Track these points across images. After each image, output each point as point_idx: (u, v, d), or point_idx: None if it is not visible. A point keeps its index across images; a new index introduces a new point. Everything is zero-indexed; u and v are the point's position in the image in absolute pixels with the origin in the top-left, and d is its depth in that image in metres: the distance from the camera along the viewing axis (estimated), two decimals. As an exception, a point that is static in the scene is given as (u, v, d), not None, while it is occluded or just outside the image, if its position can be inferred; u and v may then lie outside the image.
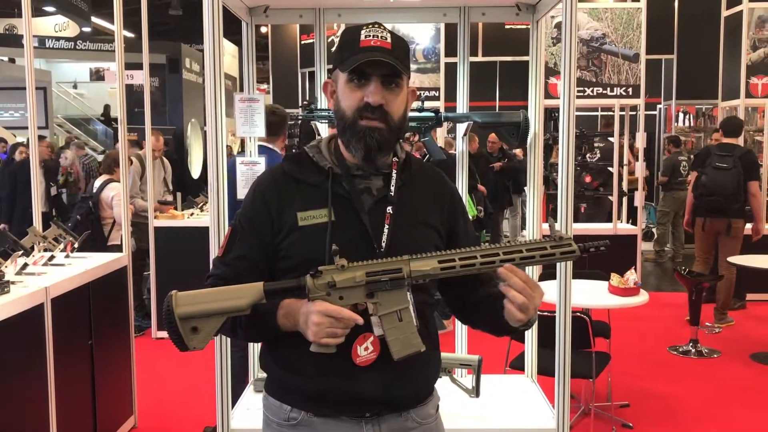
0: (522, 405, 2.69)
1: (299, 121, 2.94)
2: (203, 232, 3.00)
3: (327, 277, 1.41)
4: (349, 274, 1.41)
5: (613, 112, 7.08)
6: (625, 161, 7.11)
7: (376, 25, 1.53)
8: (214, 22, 2.34)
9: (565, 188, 2.38)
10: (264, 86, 15.93)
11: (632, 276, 4.13)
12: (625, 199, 7.28)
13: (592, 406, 4.07)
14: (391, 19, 2.87)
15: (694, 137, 11.59)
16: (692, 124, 11.43)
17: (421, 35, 8.05)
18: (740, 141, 6.29)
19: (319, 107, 2.84)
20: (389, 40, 1.50)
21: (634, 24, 6.87)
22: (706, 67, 9.42)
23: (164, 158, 7.02)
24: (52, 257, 3.56)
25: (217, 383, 2.44)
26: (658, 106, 12.11)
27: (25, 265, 3.32)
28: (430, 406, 1.64)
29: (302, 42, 11.68)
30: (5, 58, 15.06)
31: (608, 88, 6.94)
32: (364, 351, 1.47)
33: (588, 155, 7.42)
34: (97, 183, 5.77)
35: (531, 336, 2.99)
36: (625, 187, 7.11)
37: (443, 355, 1.88)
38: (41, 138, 8.20)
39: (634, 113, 7.71)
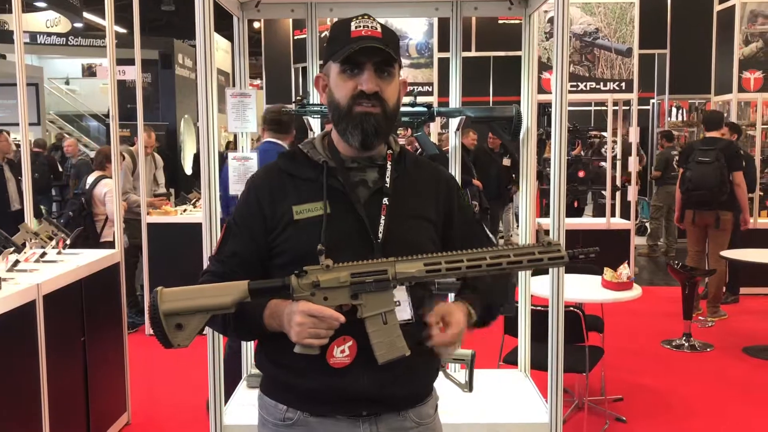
0: (515, 399, 2.69)
1: (292, 117, 2.93)
2: (196, 228, 2.99)
3: (311, 277, 1.41)
4: (333, 275, 1.41)
5: (607, 106, 7.08)
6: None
7: (366, 17, 1.54)
8: (206, 17, 2.33)
9: (557, 182, 2.38)
10: (257, 82, 15.90)
11: (625, 270, 4.14)
12: (618, 194, 7.31)
13: (585, 400, 4.08)
14: (383, 14, 2.86)
15: (687, 132, 11.61)
16: (685, 119, 11.46)
17: (415, 30, 8.05)
18: (725, 134, 6.35)
19: (311, 102, 2.83)
20: (379, 29, 1.51)
21: (627, 19, 6.88)
22: (698, 61, 9.44)
23: (156, 154, 6.99)
24: (43, 254, 3.54)
25: (210, 379, 2.44)
26: (651, 100, 12.14)
27: (17, 261, 3.30)
28: (429, 406, 1.63)
29: (295, 37, 11.66)
30: (-4, 55, 14.98)
31: (601, 83, 6.95)
32: (340, 353, 1.46)
33: (603, 149, 7.45)
34: (90, 179, 5.75)
35: (524, 330, 2.99)
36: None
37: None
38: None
39: (627, 108, 7.72)
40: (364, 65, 1.49)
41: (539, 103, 6.49)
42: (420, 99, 2.83)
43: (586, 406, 4.08)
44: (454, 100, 2.95)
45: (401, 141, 1.73)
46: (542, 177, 8.52)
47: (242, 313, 1.46)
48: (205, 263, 2.43)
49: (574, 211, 8.18)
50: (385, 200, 1.53)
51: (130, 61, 5.72)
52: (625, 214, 7.53)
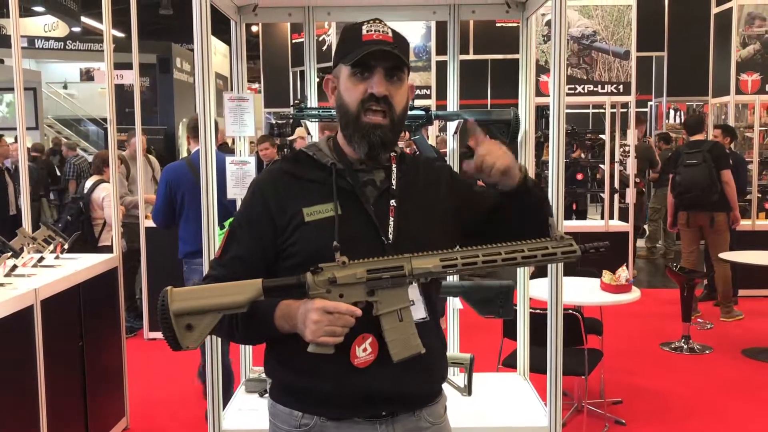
0: (514, 403, 2.69)
1: (290, 120, 2.93)
2: (194, 232, 2.99)
3: (328, 274, 1.40)
4: (350, 271, 1.40)
5: (605, 109, 7.09)
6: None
7: (378, 21, 1.54)
8: (203, 20, 2.33)
9: (556, 185, 2.38)
10: (255, 85, 15.91)
11: (624, 273, 4.14)
12: (616, 196, 7.31)
13: (584, 403, 4.08)
14: (380, 17, 2.85)
15: (685, 134, 11.63)
16: (683, 121, 11.48)
17: (413, 34, 8.05)
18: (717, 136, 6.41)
19: (309, 106, 2.82)
20: (390, 34, 1.52)
21: (624, 21, 6.88)
22: (696, 64, 9.45)
23: (152, 157, 6.99)
24: (41, 258, 3.54)
25: (208, 384, 2.43)
26: (649, 103, 12.16)
27: (15, 266, 3.30)
28: (440, 406, 1.63)
29: (293, 41, 11.68)
30: (-6, 59, 14.99)
31: (599, 86, 6.95)
32: (363, 352, 1.45)
33: (621, 154, 7.48)
34: (88, 184, 5.75)
35: (523, 334, 2.99)
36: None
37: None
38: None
39: (625, 110, 7.73)
40: (374, 69, 1.49)
41: (537, 106, 6.50)
42: (418, 102, 2.83)
43: (586, 409, 4.08)
44: (452, 103, 2.95)
45: (400, 144, 1.74)
46: (541, 179, 8.53)
47: (251, 314, 1.44)
48: (206, 266, 2.43)
49: (575, 213, 8.19)
50: (393, 201, 1.53)
51: (128, 65, 5.72)
52: (627, 218, 7.53)
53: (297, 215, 1.51)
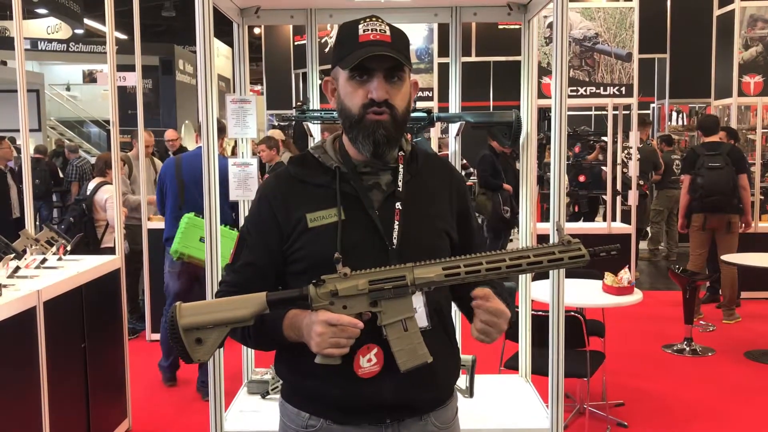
0: (516, 405, 2.69)
1: (293, 122, 2.94)
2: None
3: (329, 286, 1.39)
4: (351, 283, 1.39)
5: (607, 111, 7.09)
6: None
7: (374, 19, 1.50)
8: (205, 23, 2.34)
9: (557, 187, 2.38)
10: (257, 87, 15.93)
11: (626, 275, 4.13)
12: (618, 198, 7.30)
13: (586, 406, 4.07)
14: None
15: (688, 136, 11.62)
16: (685, 123, 11.48)
17: (415, 36, 8.05)
18: (722, 138, 6.37)
19: (311, 108, 2.83)
20: (388, 32, 1.48)
21: (626, 23, 6.88)
22: (698, 66, 9.45)
23: (155, 159, 7.00)
24: (44, 260, 3.54)
25: (210, 385, 2.44)
26: (652, 105, 12.14)
27: (17, 268, 3.30)
28: (449, 410, 1.62)
29: (295, 43, 11.69)
30: (-3, 61, 15.02)
31: (601, 88, 6.95)
32: (367, 363, 1.44)
33: (625, 157, 7.48)
34: (91, 185, 5.76)
35: (525, 336, 2.99)
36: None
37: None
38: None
39: (627, 112, 7.72)
40: (374, 72, 1.46)
41: (540, 108, 6.50)
42: (420, 104, 2.84)
43: (587, 412, 4.07)
44: (454, 105, 2.95)
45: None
46: (543, 181, 8.53)
47: (261, 324, 1.45)
48: (210, 268, 2.44)
49: (583, 216, 8.18)
50: (398, 205, 1.51)
51: (131, 67, 5.73)
52: (630, 220, 7.53)
53: (301, 221, 1.50)
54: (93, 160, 9.56)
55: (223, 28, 3.62)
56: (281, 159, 6.83)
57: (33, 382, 3.00)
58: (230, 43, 3.22)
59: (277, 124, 10.53)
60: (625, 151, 7.62)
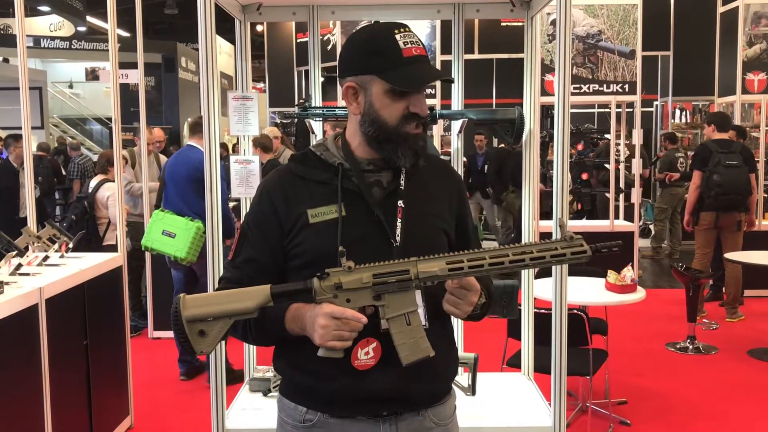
0: (518, 403, 2.68)
1: (295, 120, 2.93)
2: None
3: (334, 279, 1.40)
4: (356, 276, 1.40)
5: (610, 108, 7.07)
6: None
7: (405, 29, 1.51)
8: (207, 20, 2.33)
9: (560, 185, 2.37)
10: (260, 85, 15.93)
11: (629, 273, 4.12)
12: (622, 196, 7.29)
13: (589, 404, 4.07)
14: (385, 16, 2.86)
15: (691, 134, 11.60)
16: (689, 121, 11.45)
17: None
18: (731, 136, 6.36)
19: (313, 105, 2.82)
20: (422, 45, 1.51)
21: (630, 20, 6.87)
22: (702, 63, 9.43)
23: (159, 154, 6.99)
24: (46, 257, 3.54)
25: (212, 383, 2.43)
26: (655, 102, 12.12)
27: (19, 265, 3.30)
28: (448, 407, 1.63)
29: (298, 40, 11.68)
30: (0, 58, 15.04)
31: (604, 85, 6.94)
32: (365, 356, 1.45)
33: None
34: (93, 183, 5.76)
35: (527, 333, 2.98)
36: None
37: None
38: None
39: (630, 110, 7.71)
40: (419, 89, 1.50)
41: (543, 106, 6.49)
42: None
43: (590, 410, 4.07)
44: (457, 102, 2.94)
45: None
46: (546, 179, 8.52)
47: (263, 318, 1.45)
48: (211, 264, 2.44)
49: (581, 213, 8.18)
50: (400, 202, 1.52)
51: (134, 65, 5.72)
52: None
53: (302, 216, 1.51)
54: (95, 158, 9.58)
55: (225, 26, 3.61)
56: (280, 158, 6.79)
57: (35, 380, 3.01)
58: (232, 41, 3.21)
59: (279, 121, 10.53)
60: (616, 149, 7.58)
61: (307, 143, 4.29)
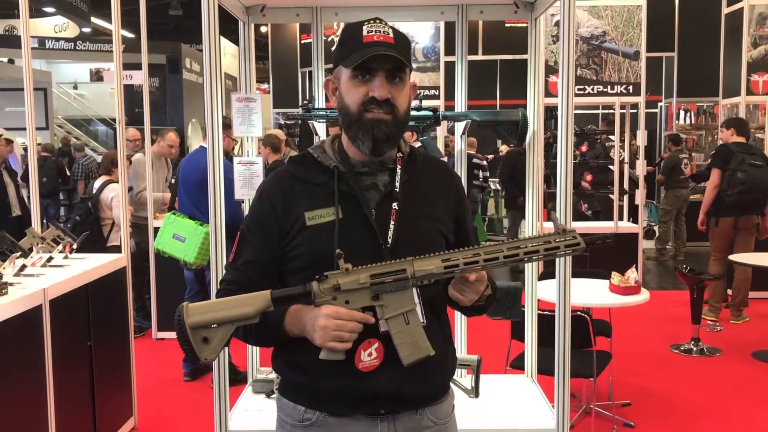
0: (522, 405, 2.68)
1: (298, 121, 2.93)
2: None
3: (332, 281, 1.42)
4: (353, 277, 1.42)
5: (614, 110, 7.06)
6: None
7: (377, 21, 1.53)
8: (211, 21, 2.33)
9: (564, 186, 2.37)
10: (264, 86, 15.95)
11: (633, 274, 4.11)
12: (626, 197, 7.27)
13: (593, 406, 4.06)
14: (389, 18, 2.84)
15: (696, 135, 11.56)
16: (693, 122, 11.42)
17: (421, 34, 8.03)
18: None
19: (317, 107, 2.82)
20: (391, 34, 1.51)
21: (634, 21, 6.85)
22: (706, 64, 9.41)
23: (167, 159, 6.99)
24: (50, 258, 3.55)
25: (215, 385, 2.43)
26: (659, 103, 12.10)
27: (23, 266, 3.31)
28: (446, 405, 1.63)
29: (302, 41, 11.69)
30: (5, 59, 15.07)
31: (609, 86, 6.92)
32: (368, 357, 1.46)
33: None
34: (97, 184, 5.76)
35: (531, 335, 2.98)
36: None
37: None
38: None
39: (634, 111, 7.70)
40: (375, 71, 1.49)
41: (547, 107, 6.48)
42: (426, 103, 2.83)
43: (594, 412, 4.06)
44: (460, 103, 2.94)
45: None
46: (550, 180, 8.50)
47: (263, 320, 1.47)
48: (214, 264, 2.44)
49: (587, 215, 8.15)
50: (395, 205, 1.53)
51: (138, 66, 5.74)
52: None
53: (299, 218, 1.52)
54: (100, 159, 9.59)
55: (230, 27, 3.62)
56: (285, 159, 6.79)
57: (39, 380, 3.01)
58: (237, 42, 3.22)
59: (283, 122, 10.54)
60: (611, 148, 7.56)
61: (310, 145, 4.28)
